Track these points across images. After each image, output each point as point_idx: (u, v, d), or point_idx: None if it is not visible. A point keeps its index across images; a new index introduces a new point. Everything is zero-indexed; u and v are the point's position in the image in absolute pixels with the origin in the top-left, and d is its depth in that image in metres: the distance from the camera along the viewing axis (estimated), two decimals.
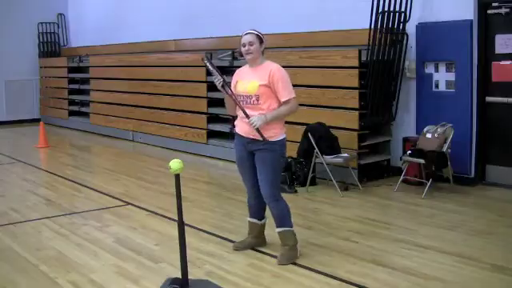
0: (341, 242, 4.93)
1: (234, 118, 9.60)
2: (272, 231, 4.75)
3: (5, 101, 14.14)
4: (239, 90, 4.46)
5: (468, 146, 6.83)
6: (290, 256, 4.46)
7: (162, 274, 4.11)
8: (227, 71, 9.16)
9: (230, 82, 4.57)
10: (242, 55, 4.55)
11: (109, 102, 11.90)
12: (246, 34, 4.47)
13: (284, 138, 4.49)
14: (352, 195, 6.59)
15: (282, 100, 4.38)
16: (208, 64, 4.51)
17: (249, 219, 4.78)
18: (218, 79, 4.43)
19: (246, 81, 4.45)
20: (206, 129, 9.36)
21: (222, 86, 4.43)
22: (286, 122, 4.61)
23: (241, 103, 4.41)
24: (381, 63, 6.97)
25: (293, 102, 4.41)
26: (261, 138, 4.33)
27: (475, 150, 6.85)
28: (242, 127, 4.52)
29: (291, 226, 4.54)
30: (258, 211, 4.71)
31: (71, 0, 15.06)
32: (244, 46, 4.44)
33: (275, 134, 4.40)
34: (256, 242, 4.77)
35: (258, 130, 4.29)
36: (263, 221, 4.75)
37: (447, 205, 6.08)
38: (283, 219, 4.50)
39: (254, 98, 4.37)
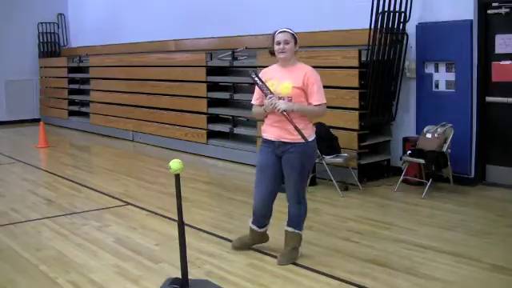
0: (341, 242, 4.93)
1: (234, 118, 9.63)
2: (273, 233, 4.76)
3: (5, 101, 14.14)
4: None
5: (468, 146, 6.83)
6: (291, 257, 4.45)
7: (162, 274, 4.11)
8: (227, 71, 9.20)
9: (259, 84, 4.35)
10: (272, 54, 4.39)
11: (109, 102, 11.90)
12: (281, 32, 4.33)
13: (314, 139, 4.41)
14: (352, 195, 6.59)
15: (314, 104, 4.28)
16: (257, 80, 4.32)
17: (250, 225, 4.70)
18: (269, 97, 4.25)
19: (276, 81, 4.31)
20: (205, 129, 9.36)
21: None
22: None
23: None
24: (381, 63, 6.97)
25: (323, 107, 4.35)
26: (293, 140, 4.27)
27: (475, 150, 6.85)
28: (272, 131, 4.40)
29: (301, 230, 4.52)
30: (261, 220, 4.63)
31: (71, 0, 15.06)
32: (278, 45, 4.30)
33: (308, 134, 4.29)
34: (255, 242, 4.73)
35: (296, 128, 4.17)
36: (265, 228, 4.69)
37: (447, 205, 6.08)
38: (297, 221, 4.49)
39: (285, 100, 4.26)
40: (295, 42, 4.36)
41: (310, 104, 4.31)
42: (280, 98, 4.26)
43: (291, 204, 4.48)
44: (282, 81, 4.31)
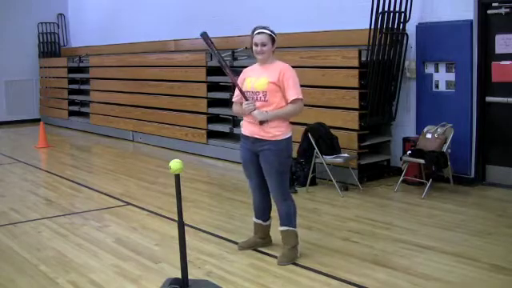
0: (341, 242, 4.93)
1: (234, 118, 9.64)
2: (273, 232, 4.75)
3: (5, 101, 14.15)
4: (247, 86, 4.43)
5: (468, 146, 6.83)
6: (291, 256, 4.46)
7: (162, 274, 4.11)
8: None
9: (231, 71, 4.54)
10: (252, 51, 4.47)
11: (109, 102, 11.89)
12: (259, 33, 4.39)
13: (289, 137, 4.46)
14: (352, 195, 6.59)
15: (290, 99, 4.35)
16: (210, 44, 4.44)
17: (254, 220, 4.76)
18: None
19: (254, 78, 4.42)
20: (206, 129, 9.36)
21: (222, 66, 4.45)
22: None
23: (245, 93, 4.40)
24: (381, 63, 6.97)
25: (299, 103, 4.39)
26: (265, 138, 4.32)
27: (475, 150, 6.85)
28: (247, 127, 4.50)
29: (295, 227, 4.54)
30: (263, 212, 4.69)
31: (71, 0, 15.07)
32: (256, 46, 4.38)
33: (281, 132, 4.36)
34: (261, 242, 4.76)
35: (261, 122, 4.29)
36: (268, 222, 4.74)
37: (447, 205, 6.08)
38: (288, 218, 4.50)
39: (261, 95, 4.35)
40: (273, 43, 4.42)
41: (286, 99, 4.36)
42: (256, 93, 4.36)
43: (278, 203, 4.52)
44: (259, 77, 4.41)
